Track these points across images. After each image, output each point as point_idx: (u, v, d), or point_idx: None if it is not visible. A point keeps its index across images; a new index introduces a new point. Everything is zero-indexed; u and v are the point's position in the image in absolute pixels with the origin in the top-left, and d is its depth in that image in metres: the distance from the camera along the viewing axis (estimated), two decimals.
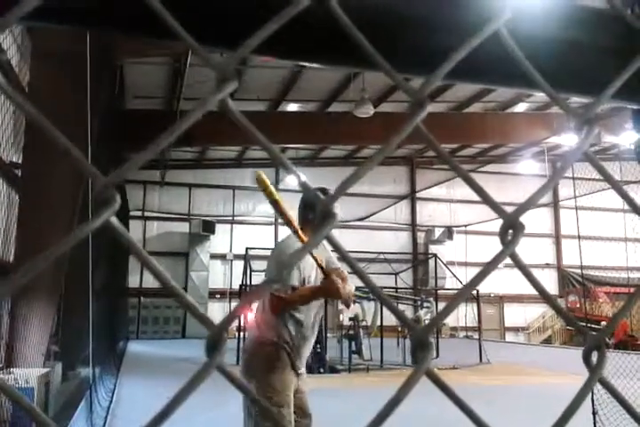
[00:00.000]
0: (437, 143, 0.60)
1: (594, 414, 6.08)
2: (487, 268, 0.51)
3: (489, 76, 0.75)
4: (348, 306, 3.56)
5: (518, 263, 0.54)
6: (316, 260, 3.34)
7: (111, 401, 8.02)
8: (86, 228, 0.44)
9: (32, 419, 0.46)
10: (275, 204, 3.35)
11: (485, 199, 0.58)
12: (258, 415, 3.33)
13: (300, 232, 3.45)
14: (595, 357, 0.58)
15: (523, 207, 0.56)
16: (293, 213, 3.56)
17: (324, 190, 3.81)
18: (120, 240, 0.45)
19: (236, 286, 17.68)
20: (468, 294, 0.54)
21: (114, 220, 0.45)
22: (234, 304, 19.35)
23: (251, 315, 4.46)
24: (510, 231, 0.54)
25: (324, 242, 0.54)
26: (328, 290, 3.38)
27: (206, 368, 0.44)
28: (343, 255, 0.56)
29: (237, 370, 3.69)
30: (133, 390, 8.75)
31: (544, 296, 0.55)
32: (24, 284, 0.43)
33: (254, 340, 3.64)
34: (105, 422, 6.49)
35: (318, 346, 12.11)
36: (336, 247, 0.54)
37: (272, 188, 3.36)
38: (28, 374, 5.95)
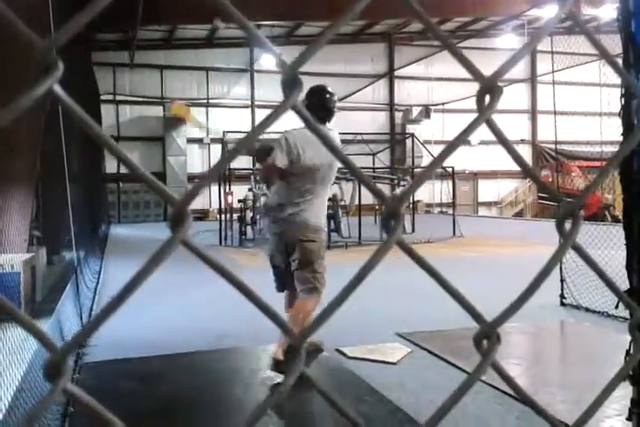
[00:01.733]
0: (415, 4, 0.55)
1: (562, 281, 6.40)
2: (464, 133, 0.49)
3: None
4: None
5: (494, 129, 0.51)
6: None
7: (98, 282, 8.24)
8: (28, 97, 0.40)
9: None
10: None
11: (463, 63, 0.54)
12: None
13: None
14: (568, 224, 0.57)
15: (501, 70, 0.52)
16: None
17: (323, 90, 4.15)
18: (66, 109, 0.41)
19: None
20: (444, 160, 0.52)
21: (57, 88, 0.41)
22: (214, 188, 19.44)
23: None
24: (487, 96, 0.51)
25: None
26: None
27: (170, 243, 0.43)
28: (314, 130, 0.53)
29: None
30: (119, 271, 8.97)
31: (519, 163, 0.54)
32: None
33: (313, 225, 4.20)
34: (93, 303, 6.70)
35: None
36: (305, 119, 0.51)
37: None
38: (12, 260, 6.04)
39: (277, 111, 0.46)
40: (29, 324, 0.43)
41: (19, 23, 0.43)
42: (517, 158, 0.53)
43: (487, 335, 0.51)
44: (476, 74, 0.53)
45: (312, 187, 4.16)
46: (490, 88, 0.50)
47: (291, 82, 0.48)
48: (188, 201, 0.44)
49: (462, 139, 0.48)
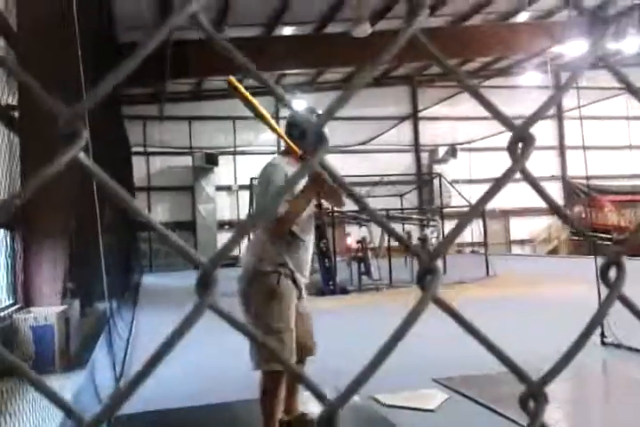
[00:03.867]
0: (437, 52, 0.54)
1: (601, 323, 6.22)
2: (498, 183, 0.48)
3: None
4: (339, 203, 3.41)
5: (528, 177, 0.50)
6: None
7: (130, 333, 8.24)
8: (52, 167, 0.40)
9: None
10: (251, 106, 3.35)
11: (493, 112, 0.53)
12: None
13: (285, 137, 3.45)
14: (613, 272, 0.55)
15: (532, 118, 0.51)
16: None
17: (312, 110, 3.80)
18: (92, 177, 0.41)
19: (243, 215, 17.82)
20: (478, 211, 0.50)
21: (82, 156, 0.41)
22: None
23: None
24: (520, 145, 0.50)
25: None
26: (316, 183, 3.17)
27: (198, 308, 0.41)
28: (336, 179, 0.52)
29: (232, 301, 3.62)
30: (151, 322, 8.97)
31: (556, 210, 0.52)
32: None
33: (253, 269, 3.43)
34: (125, 354, 6.68)
35: (326, 261, 12.12)
36: (329, 171, 0.50)
37: (243, 90, 3.33)
38: (46, 312, 6.08)
39: (302, 170, 0.45)
40: (48, 391, 0.42)
41: (40, 91, 0.43)
42: (553, 206, 0.51)
43: (534, 396, 0.48)
44: (506, 123, 0.51)
45: None
46: (522, 136, 0.49)
47: (317, 139, 0.47)
48: (215, 263, 0.43)
49: (496, 191, 0.47)
